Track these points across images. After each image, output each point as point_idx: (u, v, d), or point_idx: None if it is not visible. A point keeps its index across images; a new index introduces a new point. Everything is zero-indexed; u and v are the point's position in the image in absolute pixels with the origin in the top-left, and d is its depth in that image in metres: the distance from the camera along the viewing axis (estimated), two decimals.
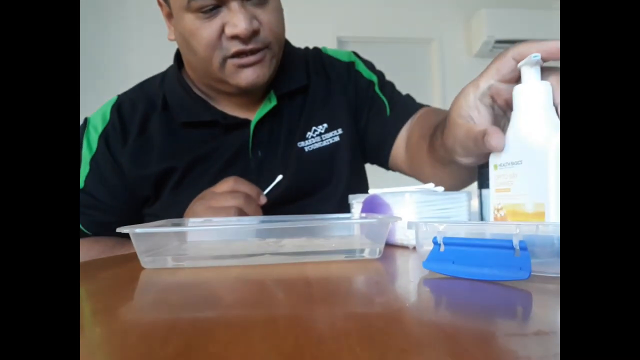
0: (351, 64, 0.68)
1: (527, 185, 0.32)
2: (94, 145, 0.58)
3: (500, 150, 0.33)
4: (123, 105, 0.61)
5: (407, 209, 0.38)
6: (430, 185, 0.44)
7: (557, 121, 0.31)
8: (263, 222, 0.43)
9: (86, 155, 0.58)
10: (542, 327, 0.16)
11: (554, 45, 0.30)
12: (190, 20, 0.51)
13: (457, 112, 0.36)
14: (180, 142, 0.58)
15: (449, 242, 0.24)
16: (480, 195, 0.53)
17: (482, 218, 0.52)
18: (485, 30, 2.43)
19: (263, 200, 0.51)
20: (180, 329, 0.17)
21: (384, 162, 0.66)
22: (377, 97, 0.66)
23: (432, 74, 2.64)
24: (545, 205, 0.30)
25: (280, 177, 0.55)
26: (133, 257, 0.32)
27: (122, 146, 0.58)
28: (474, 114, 0.35)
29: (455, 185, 0.52)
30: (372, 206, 0.43)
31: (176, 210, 0.52)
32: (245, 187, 0.50)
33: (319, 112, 0.63)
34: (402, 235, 0.39)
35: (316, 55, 0.69)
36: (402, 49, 2.64)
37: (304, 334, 0.16)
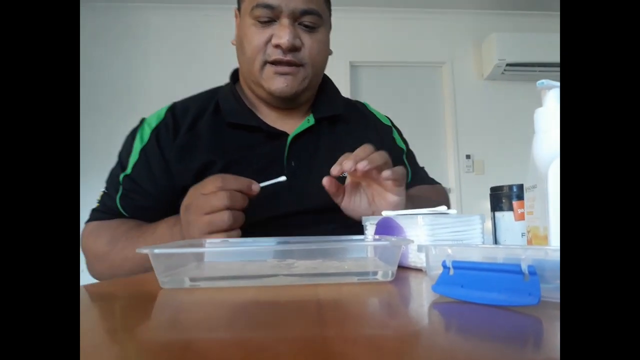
0: (389, 129, 0.80)
1: (540, 209, 0.32)
2: (146, 138, 0.65)
3: (349, 169, 0.48)
4: (177, 107, 0.68)
5: (420, 232, 0.39)
6: (443, 208, 0.44)
7: None
8: (280, 243, 0.44)
9: (137, 146, 0.65)
10: (551, 355, 0.16)
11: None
12: (249, 24, 0.62)
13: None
14: (224, 141, 0.64)
15: (458, 265, 0.25)
16: (493, 218, 0.53)
17: (495, 240, 0.52)
18: (495, 54, 2.45)
19: (256, 189, 0.52)
20: (194, 349, 0.17)
21: None
22: (404, 165, 0.75)
23: (443, 96, 2.65)
24: (548, 229, 0.30)
25: (283, 178, 0.56)
26: (151, 276, 0.33)
27: (172, 142, 0.64)
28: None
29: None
30: (386, 229, 0.43)
31: None
32: (233, 183, 0.50)
33: (353, 142, 0.67)
34: (416, 257, 0.39)
35: (359, 103, 0.81)
36: (413, 72, 2.67)
37: (315, 356, 0.16)
